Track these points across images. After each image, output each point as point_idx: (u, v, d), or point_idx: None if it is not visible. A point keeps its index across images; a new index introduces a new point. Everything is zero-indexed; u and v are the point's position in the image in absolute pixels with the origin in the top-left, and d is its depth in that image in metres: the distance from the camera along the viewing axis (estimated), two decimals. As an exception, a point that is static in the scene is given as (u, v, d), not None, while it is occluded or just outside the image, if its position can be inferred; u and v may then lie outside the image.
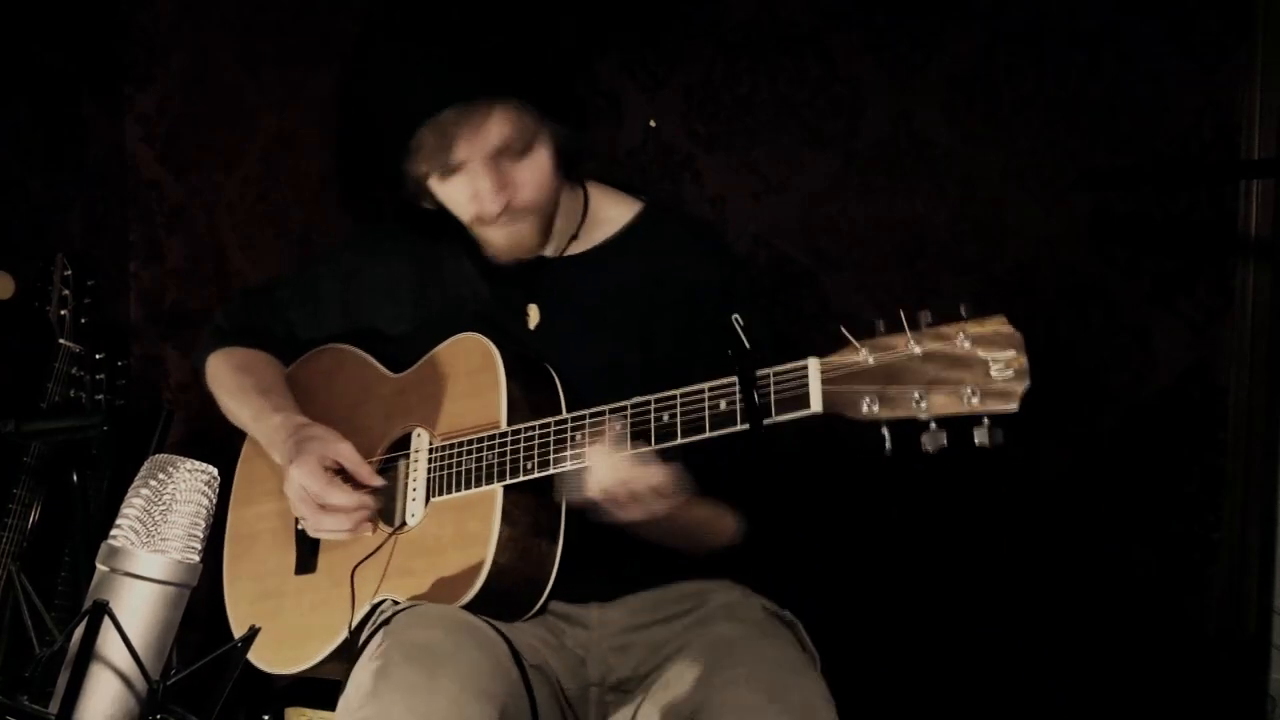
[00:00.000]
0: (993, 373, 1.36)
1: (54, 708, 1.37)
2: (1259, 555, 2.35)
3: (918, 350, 1.40)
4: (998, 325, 1.38)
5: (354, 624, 1.83)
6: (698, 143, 2.65)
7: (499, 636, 1.69)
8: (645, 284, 1.92)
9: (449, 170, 1.79)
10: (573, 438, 1.67)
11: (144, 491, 1.46)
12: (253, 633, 1.51)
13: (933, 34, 2.48)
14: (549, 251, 1.94)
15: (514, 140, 1.76)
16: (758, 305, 1.94)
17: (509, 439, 1.73)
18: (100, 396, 2.56)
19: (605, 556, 1.75)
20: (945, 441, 1.38)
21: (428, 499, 1.83)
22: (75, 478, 2.27)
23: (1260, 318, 2.33)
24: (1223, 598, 2.38)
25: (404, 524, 1.85)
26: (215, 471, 1.50)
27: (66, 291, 2.54)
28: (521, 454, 1.72)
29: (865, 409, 1.42)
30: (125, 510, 1.46)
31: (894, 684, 2.50)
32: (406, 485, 1.87)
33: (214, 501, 1.50)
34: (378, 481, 1.87)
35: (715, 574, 1.90)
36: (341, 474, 1.85)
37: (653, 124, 2.67)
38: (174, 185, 3.12)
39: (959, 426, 1.38)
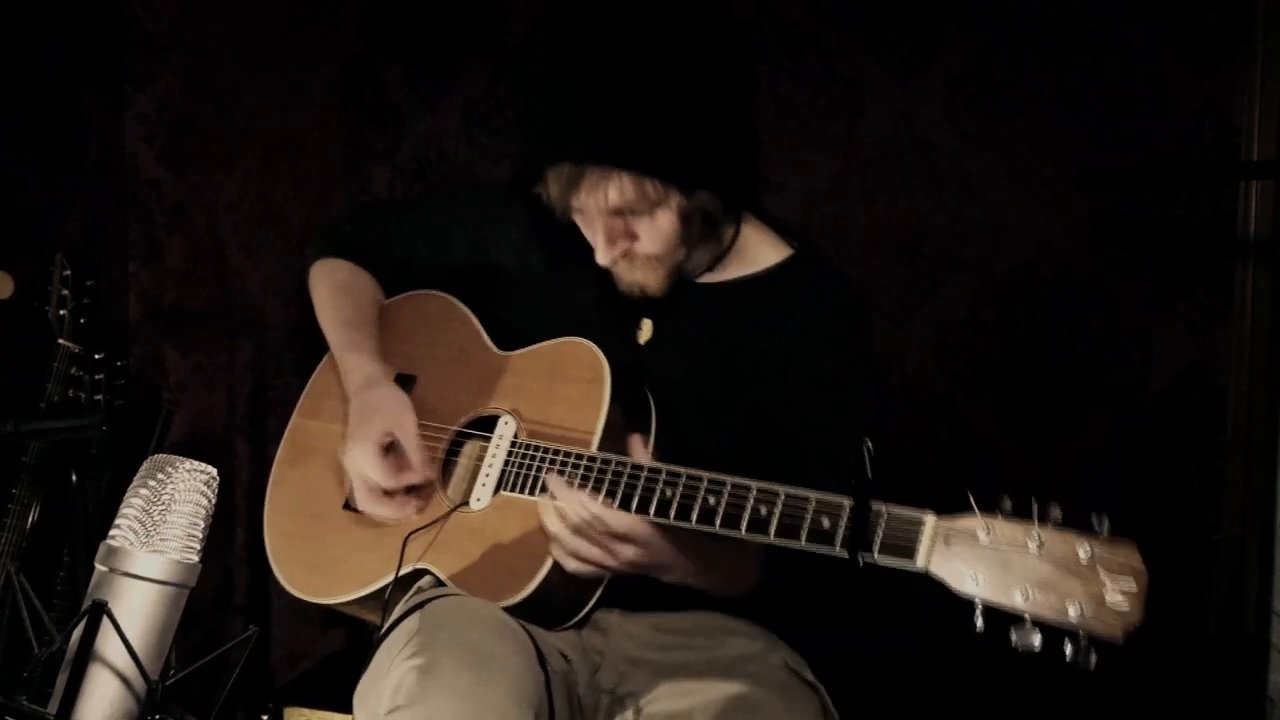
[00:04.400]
0: (1107, 598, 1.34)
1: (53, 708, 1.38)
2: (1259, 556, 2.35)
3: (1036, 548, 1.38)
4: (1128, 555, 1.36)
5: (391, 585, 1.80)
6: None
7: (529, 641, 1.67)
8: (767, 329, 1.85)
9: (570, 210, 1.77)
10: (663, 491, 1.64)
11: (143, 491, 1.46)
12: (253, 633, 1.51)
13: (933, 34, 2.48)
14: (681, 274, 1.87)
15: (634, 204, 1.71)
16: (872, 377, 1.89)
17: (596, 465, 1.71)
18: (99, 396, 2.56)
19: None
20: (1036, 645, 1.36)
21: (498, 488, 1.81)
22: (74, 478, 2.27)
23: (1260, 318, 2.33)
24: (1222, 599, 2.38)
25: (466, 504, 1.82)
26: (214, 471, 1.51)
27: (66, 291, 2.54)
28: (607, 485, 1.68)
29: (967, 583, 1.40)
30: (124, 510, 1.46)
31: (891, 690, 2.50)
32: (480, 466, 1.84)
33: (213, 501, 1.50)
34: (428, 475, 1.85)
35: (740, 612, 1.86)
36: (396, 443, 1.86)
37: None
38: (174, 185, 3.12)
39: (1053, 633, 1.35)
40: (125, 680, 1.40)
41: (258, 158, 3.05)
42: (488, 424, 1.87)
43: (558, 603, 1.75)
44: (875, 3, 2.52)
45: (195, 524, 1.47)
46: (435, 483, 1.88)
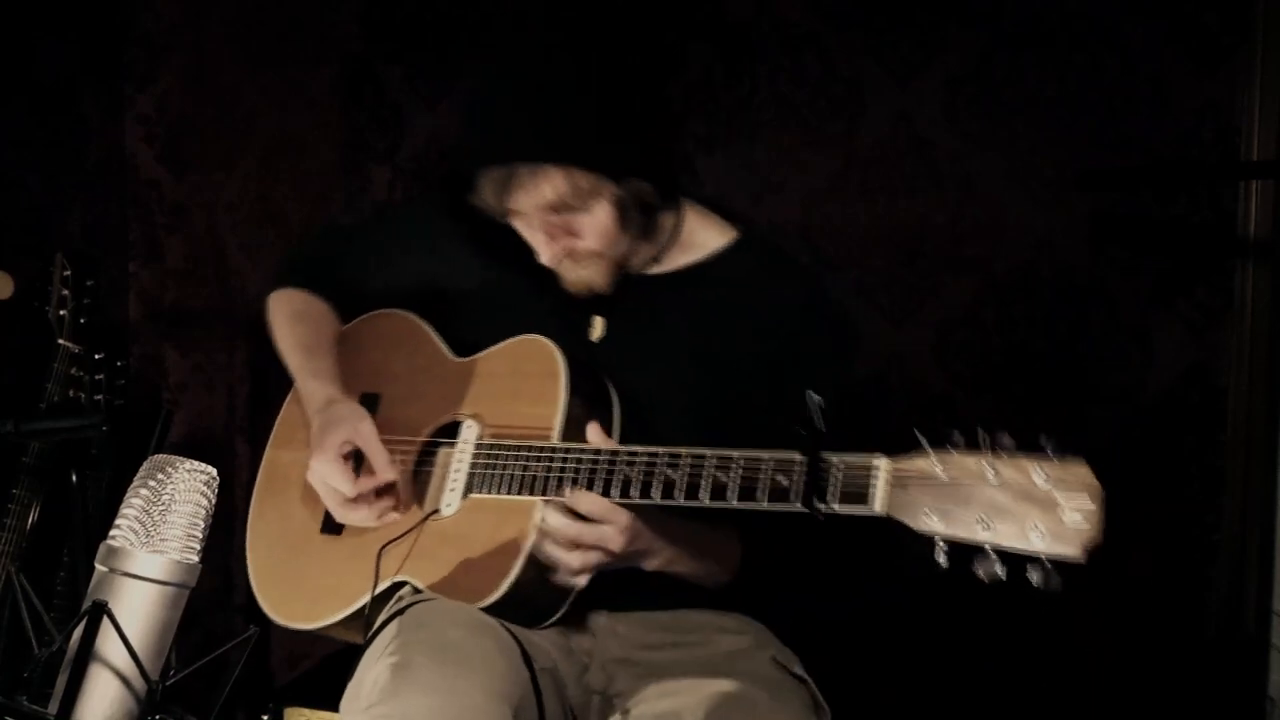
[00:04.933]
0: (1064, 518, 1.34)
1: (53, 708, 1.38)
2: (1259, 556, 2.35)
3: (993, 477, 1.37)
4: (1080, 472, 1.36)
5: (371, 600, 1.81)
6: (697, 143, 2.65)
7: (512, 640, 1.68)
8: (720, 314, 1.86)
9: (508, 214, 1.79)
10: (624, 472, 1.65)
11: (143, 491, 1.46)
12: (253, 633, 1.51)
13: (933, 34, 2.48)
14: (627, 268, 1.88)
15: (569, 199, 1.73)
16: (837, 355, 1.87)
17: (558, 455, 1.71)
18: (100, 396, 2.56)
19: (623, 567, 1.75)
20: (1001, 574, 1.35)
21: (466, 492, 1.81)
22: (75, 478, 2.27)
23: (1260, 318, 2.33)
24: (1222, 599, 2.38)
25: (437, 511, 1.83)
26: (214, 471, 1.50)
27: (66, 291, 2.53)
28: (568, 474, 1.69)
29: (925, 521, 1.39)
30: (124, 510, 1.46)
31: (893, 690, 2.50)
32: (447, 473, 1.85)
33: (213, 502, 1.50)
34: (391, 475, 1.86)
35: (729, 605, 1.87)
36: (358, 453, 1.87)
37: (652, 124, 2.67)
38: (174, 185, 3.12)
39: (1016, 561, 1.35)
40: (125, 680, 1.39)
41: (258, 158, 3.05)
42: (454, 431, 1.88)
43: (536, 599, 1.74)
44: (875, 3, 2.52)
45: (195, 524, 1.47)
46: (409, 488, 1.89)
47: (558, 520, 1.67)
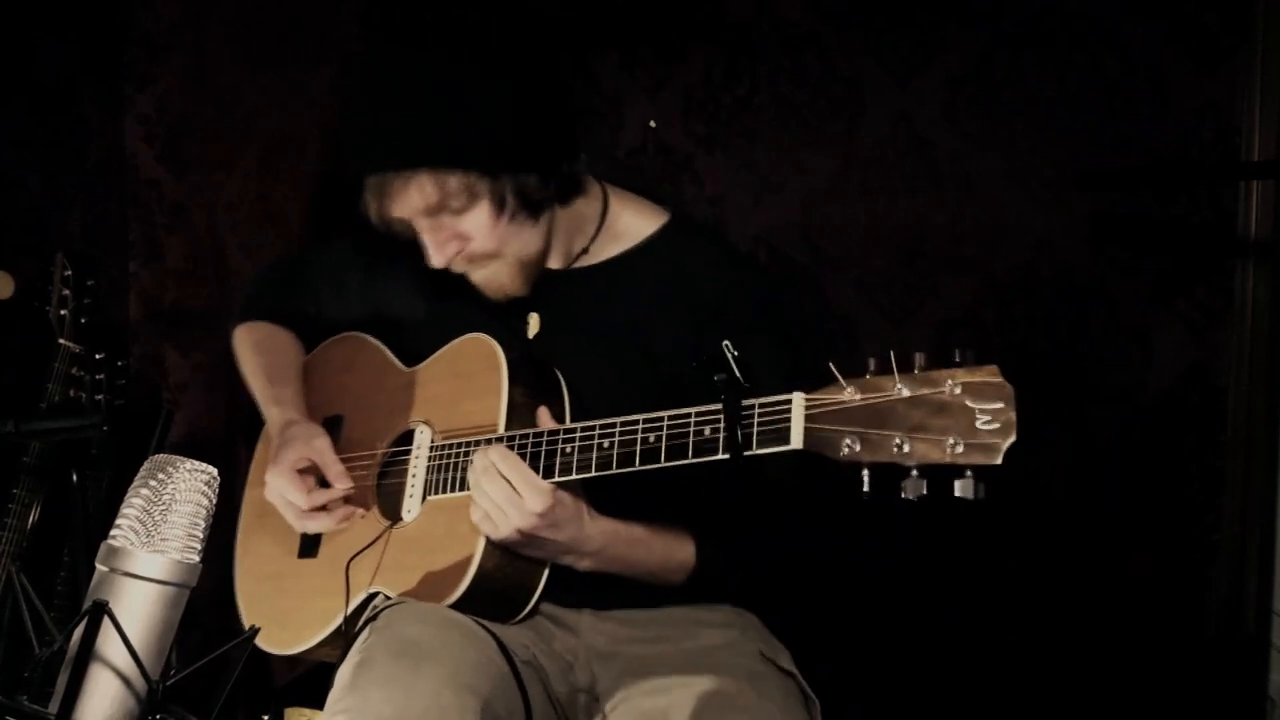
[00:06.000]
0: (978, 424, 1.32)
1: (53, 708, 1.37)
2: (1259, 556, 2.36)
3: (905, 393, 1.36)
4: (989, 375, 1.33)
5: (348, 615, 1.83)
6: (698, 143, 2.65)
7: (488, 635, 1.69)
8: (656, 301, 1.86)
9: (391, 224, 1.79)
10: (563, 450, 1.66)
11: (144, 491, 1.46)
12: (253, 632, 1.51)
13: (933, 34, 2.48)
14: (555, 263, 1.89)
15: (444, 201, 1.72)
16: (780, 332, 1.86)
17: (503, 444, 1.72)
18: (100, 396, 2.56)
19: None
20: (925, 490, 1.35)
21: (425, 496, 1.84)
22: (75, 478, 2.27)
23: (1260, 318, 2.33)
24: (1223, 599, 2.38)
25: (400, 519, 1.86)
26: (215, 471, 1.50)
27: (66, 291, 2.54)
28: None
29: (846, 450, 1.38)
30: (125, 510, 1.46)
31: (893, 692, 2.50)
32: (407, 481, 1.88)
33: (214, 501, 1.50)
34: (344, 484, 1.89)
35: (714, 598, 1.87)
36: (316, 469, 1.90)
37: (652, 125, 2.67)
38: (174, 185, 3.12)
39: (940, 475, 1.34)
40: (126, 680, 1.39)
41: (258, 158, 3.05)
42: (410, 439, 1.91)
43: (501, 591, 1.75)
44: (875, 3, 2.52)
45: (196, 524, 1.47)
46: (371, 498, 1.91)
47: (482, 460, 1.67)
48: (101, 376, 2.56)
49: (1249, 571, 2.36)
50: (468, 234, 1.77)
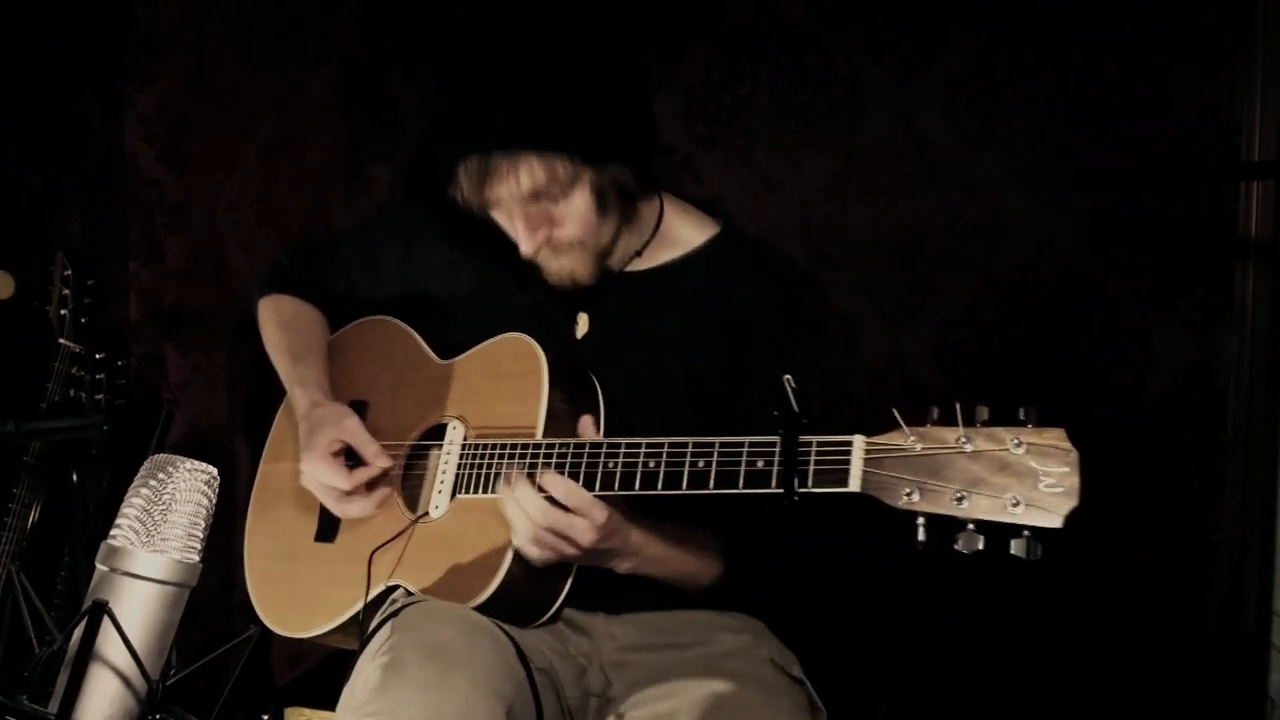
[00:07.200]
0: (1041, 486, 1.32)
1: (54, 707, 1.38)
2: (1259, 556, 2.35)
3: (968, 447, 1.36)
4: (1056, 440, 1.34)
5: (364, 606, 1.82)
6: (698, 143, 2.65)
7: (507, 639, 1.68)
8: (702, 310, 1.87)
9: (487, 205, 1.79)
10: (605, 464, 1.65)
11: (144, 491, 1.46)
12: (253, 632, 1.51)
13: (933, 34, 2.48)
14: (611, 264, 1.89)
15: (547, 186, 1.73)
16: (811, 350, 1.88)
17: (541, 451, 1.71)
18: (100, 396, 2.56)
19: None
20: (981, 546, 1.34)
21: (454, 493, 1.82)
22: (75, 477, 2.27)
23: (1260, 318, 2.33)
24: (1223, 599, 2.38)
25: (426, 514, 1.84)
26: (215, 471, 1.51)
27: (66, 291, 2.54)
28: (552, 469, 1.69)
29: (904, 498, 1.38)
30: (125, 510, 1.46)
31: (891, 692, 2.50)
32: (435, 475, 1.86)
33: (214, 501, 1.50)
34: (383, 462, 1.87)
35: (727, 605, 1.87)
36: (350, 450, 1.88)
37: (653, 124, 2.67)
38: (174, 185, 3.12)
39: (997, 532, 1.34)
40: (126, 680, 1.40)
41: (258, 158, 3.05)
42: (440, 434, 1.89)
43: (527, 597, 1.75)
44: (875, 3, 2.52)
45: (196, 524, 1.47)
46: (399, 488, 1.90)
47: (532, 501, 1.65)
48: (101, 376, 2.56)
49: (1249, 571, 2.36)
50: (561, 220, 1.77)
